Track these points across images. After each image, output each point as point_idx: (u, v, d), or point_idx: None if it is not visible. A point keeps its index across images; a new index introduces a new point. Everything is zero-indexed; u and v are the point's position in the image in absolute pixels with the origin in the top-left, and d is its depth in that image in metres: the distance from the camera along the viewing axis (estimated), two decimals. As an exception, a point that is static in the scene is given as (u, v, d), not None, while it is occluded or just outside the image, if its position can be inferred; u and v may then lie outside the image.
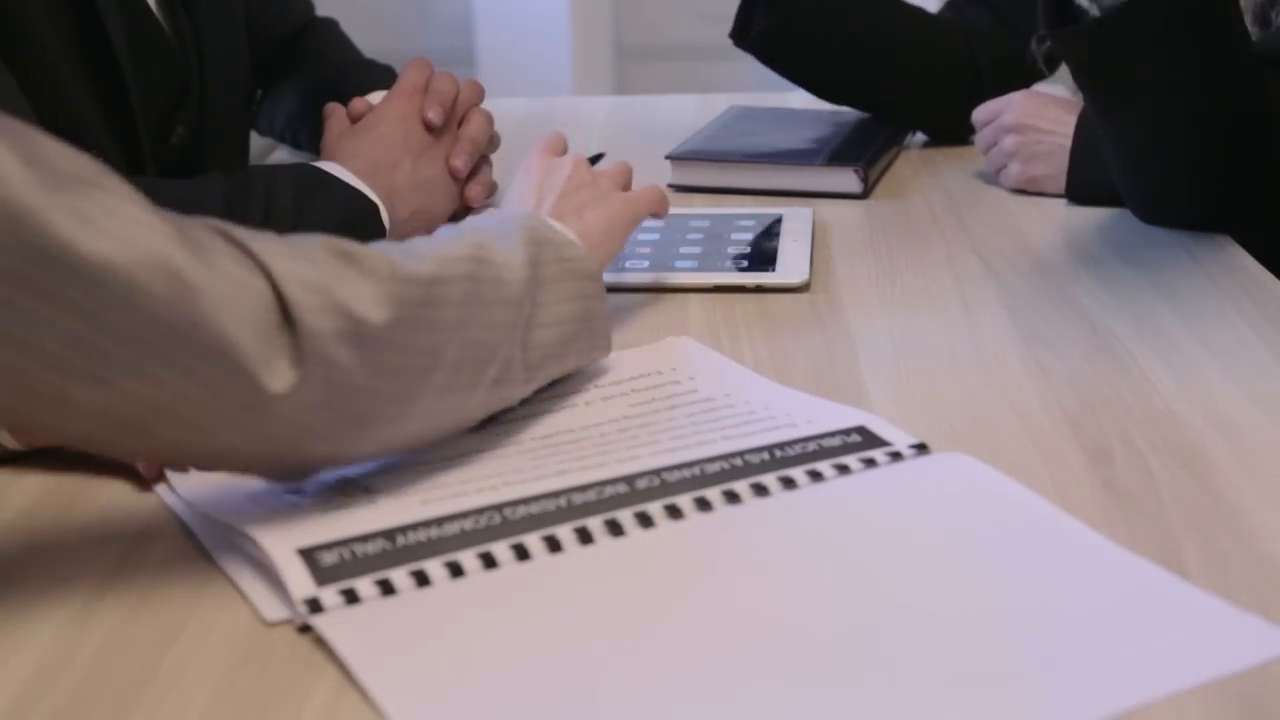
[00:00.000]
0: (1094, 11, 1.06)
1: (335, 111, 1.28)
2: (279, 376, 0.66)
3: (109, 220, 0.62)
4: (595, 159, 1.11)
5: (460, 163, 1.24)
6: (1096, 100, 1.15)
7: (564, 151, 1.05)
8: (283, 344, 0.67)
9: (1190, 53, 1.07)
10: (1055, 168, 1.27)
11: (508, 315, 0.79)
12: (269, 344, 0.66)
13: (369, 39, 1.55)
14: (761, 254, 1.15)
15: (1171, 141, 1.13)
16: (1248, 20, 1.23)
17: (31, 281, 0.60)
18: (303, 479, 0.75)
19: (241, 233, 0.68)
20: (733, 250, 1.16)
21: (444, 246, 0.78)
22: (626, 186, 1.04)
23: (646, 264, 1.14)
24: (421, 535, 0.72)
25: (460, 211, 1.26)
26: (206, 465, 0.73)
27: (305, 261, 0.69)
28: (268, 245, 0.69)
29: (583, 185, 0.99)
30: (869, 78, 1.49)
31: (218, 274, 0.65)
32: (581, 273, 0.87)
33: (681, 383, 0.91)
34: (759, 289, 1.09)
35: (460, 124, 1.27)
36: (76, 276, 0.61)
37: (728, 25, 1.44)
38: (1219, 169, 1.14)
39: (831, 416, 0.85)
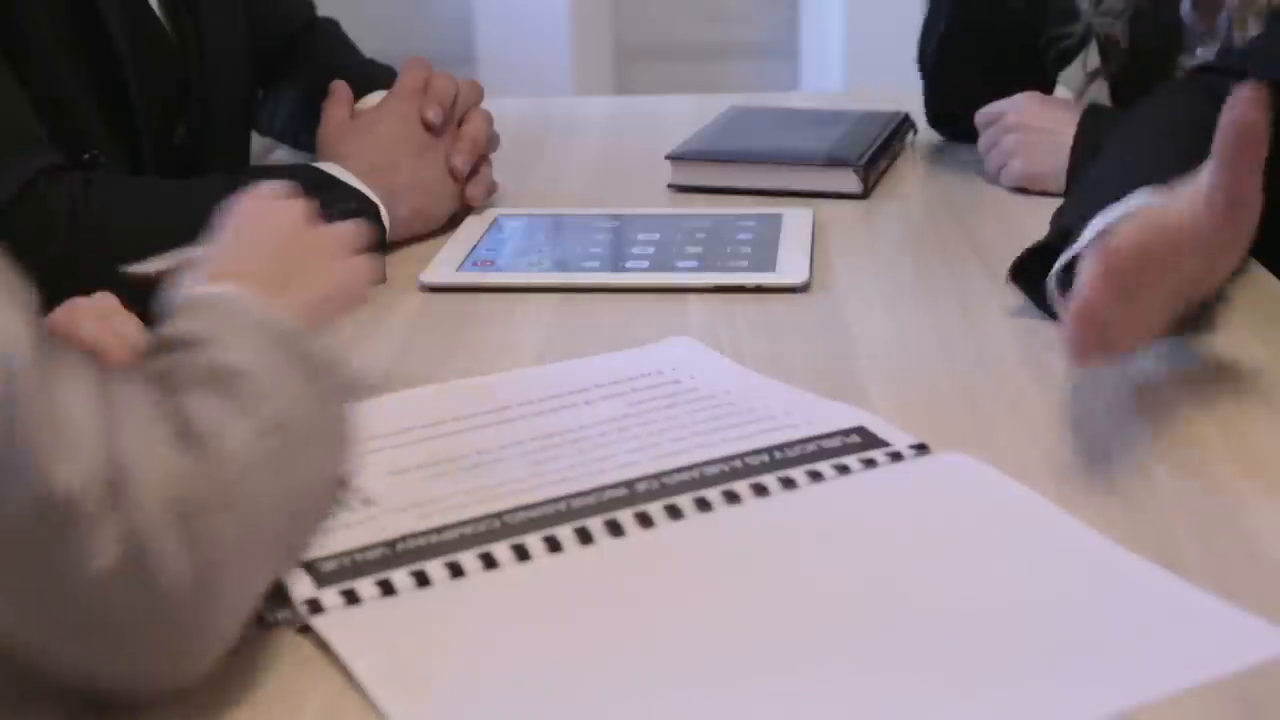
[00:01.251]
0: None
1: (336, 100, 1.28)
2: (103, 549, 0.56)
3: None
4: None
5: (459, 162, 1.24)
6: None
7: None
8: (110, 517, 0.56)
9: None
10: (1055, 165, 1.27)
11: (317, 449, 0.66)
12: (96, 510, 0.56)
13: (369, 39, 1.55)
14: (761, 254, 1.15)
15: None
16: (1254, 26, 1.22)
17: None
18: (133, 697, 0.62)
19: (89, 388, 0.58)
20: (733, 250, 1.16)
21: (245, 401, 0.63)
22: (357, 250, 0.86)
23: (646, 264, 1.14)
24: (421, 541, 0.72)
25: (460, 211, 1.26)
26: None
27: (145, 432, 0.59)
28: (118, 405, 0.59)
29: (295, 250, 0.81)
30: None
31: (57, 412, 0.56)
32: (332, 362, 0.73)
33: (681, 382, 0.91)
34: (759, 289, 1.09)
35: (460, 124, 1.27)
36: None
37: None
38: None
39: (830, 417, 0.85)
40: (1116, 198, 0.88)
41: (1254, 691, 0.60)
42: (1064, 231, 0.93)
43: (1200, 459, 0.80)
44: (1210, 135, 1.04)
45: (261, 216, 0.81)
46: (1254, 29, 1.22)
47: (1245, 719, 0.59)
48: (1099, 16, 1.37)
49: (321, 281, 0.80)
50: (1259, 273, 1.10)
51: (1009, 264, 1.00)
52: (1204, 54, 1.30)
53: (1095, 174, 1.05)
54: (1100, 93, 1.46)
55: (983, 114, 1.38)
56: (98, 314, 0.84)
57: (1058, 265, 0.91)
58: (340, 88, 1.29)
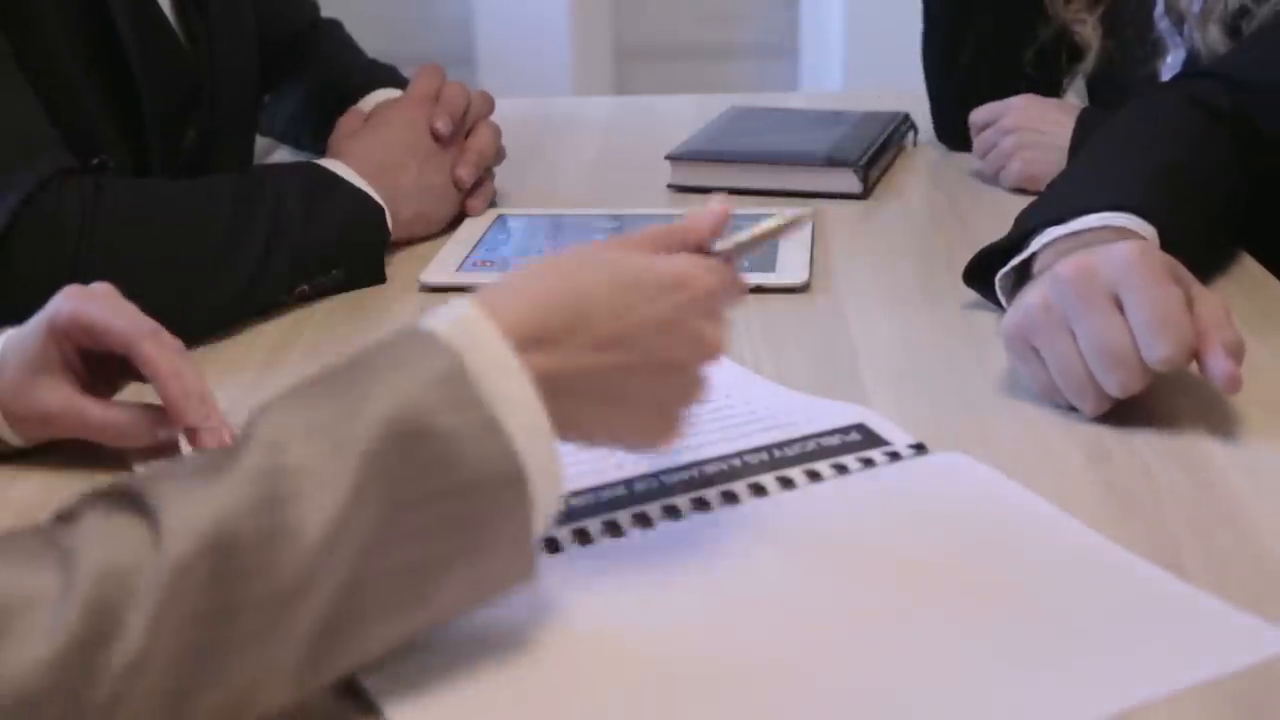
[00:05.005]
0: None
1: (351, 113, 1.29)
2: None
3: None
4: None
5: (466, 173, 1.25)
6: None
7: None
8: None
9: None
10: (1054, 166, 1.27)
11: (259, 622, 0.54)
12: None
13: (369, 40, 1.55)
14: (761, 254, 1.15)
15: None
16: (1216, 30, 1.23)
17: None
18: None
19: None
20: (733, 250, 1.16)
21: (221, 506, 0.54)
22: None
23: (646, 264, 1.14)
24: None
25: (458, 219, 1.26)
26: None
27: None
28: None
29: (657, 322, 0.65)
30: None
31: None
32: (470, 484, 0.58)
33: None
34: (759, 289, 1.09)
35: (468, 135, 1.28)
36: None
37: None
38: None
39: (831, 415, 0.85)
40: (1072, 212, 0.94)
41: (1254, 691, 0.60)
42: (1018, 237, 0.98)
43: (1200, 459, 0.80)
44: (1187, 140, 1.06)
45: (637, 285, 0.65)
46: (1214, 34, 1.22)
47: (1245, 719, 0.59)
48: (1069, 14, 1.38)
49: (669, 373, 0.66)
50: (1259, 272, 1.10)
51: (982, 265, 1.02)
52: (1174, 58, 1.30)
53: (1060, 183, 1.07)
54: (1079, 94, 1.47)
55: (978, 114, 1.38)
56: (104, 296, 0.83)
57: (1007, 267, 0.97)
58: (354, 112, 1.30)
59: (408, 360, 0.59)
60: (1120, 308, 0.81)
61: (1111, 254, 0.82)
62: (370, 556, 0.56)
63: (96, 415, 0.81)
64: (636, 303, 0.64)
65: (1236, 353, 0.81)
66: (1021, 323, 0.85)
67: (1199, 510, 0.75)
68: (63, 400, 0.81)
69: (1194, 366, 0.82)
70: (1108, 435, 0.83)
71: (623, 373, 0.64)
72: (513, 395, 0.59)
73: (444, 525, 0.58)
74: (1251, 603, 0.66)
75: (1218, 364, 0.80)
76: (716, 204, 0.72)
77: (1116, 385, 0.82)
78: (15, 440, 0.83)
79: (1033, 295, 0.85)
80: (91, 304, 0.81)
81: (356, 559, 0.56)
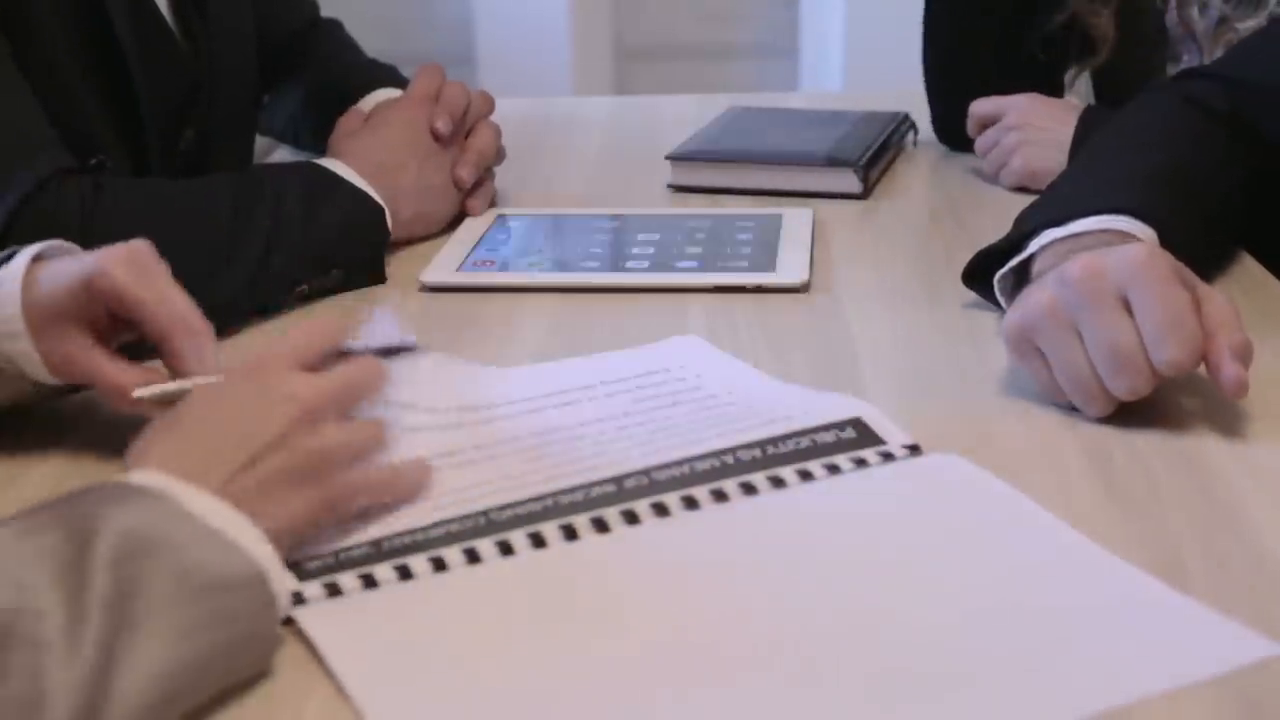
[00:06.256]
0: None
1: (351, 113, 1.29)
2: None
3: None
4: (396, 351, 0.83)
5: (466, 173, 1.25)
6: None
7: (316, 354, 0.75)
8: None
9: None
10: (1056, 161, 1.27)
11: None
12: None
13: (369, 39, 1.55)
14: (761, 254, 1.15)
15: None
16: (1221, 53, 1.23)
17: None
18: None
19: None
20: (733, 250, 1.16)
21: None
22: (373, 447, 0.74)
23: (646, 264, 1.14)
24: (407, 539, 0.72)
25: (460, 212, 1.27)
26: None
27: None
28: None
29: (300, 449, 0.69)
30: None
31: None
32: (217, 583, 0.61)
33: (687, 380, 0.91)
34: (759, 289, 1.09)
35: (468, 135, 1.28)
36: None
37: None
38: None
39: (828, 408, 0.84)
40: (1070, 214, 0.94)
41: (1254, 692, 0.60)
42: (1017, 238, 0.98)
43: (1201, 460, 0.80)
44: (1184, 139, 1.06)
45: (264, 396, 0.70)
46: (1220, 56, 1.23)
47: (1245, 719, 0.59)
48: (1085, 4, 1.38)
49: (316, 492, 0.70)
50: (1259, 272, 1.10)
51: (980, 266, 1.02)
52: (1188, 62, 1.31)
53: (1059, 184, 1.07)
54: (1084, 86, 1.47)
55: (979, 106, 1.38)
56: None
57: (1006, 268, 0.97)
58: (354, 112, 1.30)
59: (118, 498, 0.63)
60: (1128, 310, 0.81)
61: (1120, 255, 0.82)
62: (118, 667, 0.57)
63: (110, 372, 0.81)
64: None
65: (1244, 355, 0.81)
66: (1024, 322, 0.85)
67: (1200, 511, 0.75)
68: (78, 351, 0.81)
69: (1200, 368, 0.82)
70: (1108, 435, 0.83)
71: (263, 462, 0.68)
72: (222, 514, 0.65)
73: (201, 624, 0.60)
74: (1251, 603, 0.66)
75: (1225, 368, 0.80)
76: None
77: (1124, 388, 0.81)
78: (50, 379, 0.82)
79: (1038, 295, 0.85)
80: (134, 276, 0.80)
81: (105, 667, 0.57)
